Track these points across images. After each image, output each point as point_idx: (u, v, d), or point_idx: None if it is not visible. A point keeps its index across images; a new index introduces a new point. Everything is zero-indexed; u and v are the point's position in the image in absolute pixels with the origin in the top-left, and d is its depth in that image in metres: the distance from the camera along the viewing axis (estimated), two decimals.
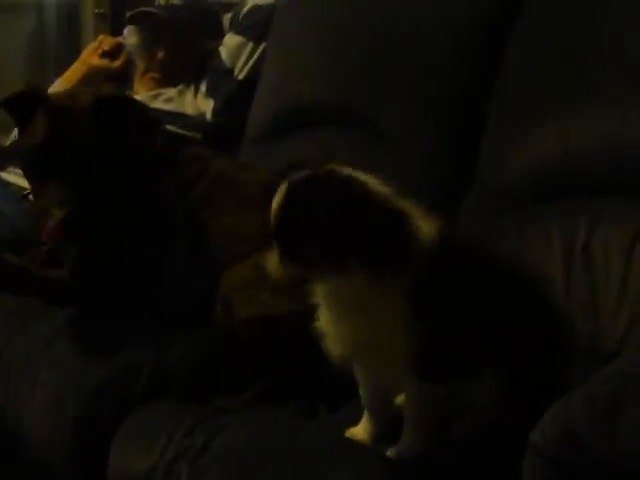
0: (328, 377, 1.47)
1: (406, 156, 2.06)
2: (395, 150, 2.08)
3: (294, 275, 1.29)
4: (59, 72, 2.76)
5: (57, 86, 2.64)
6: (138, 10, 2.65)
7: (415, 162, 2.05)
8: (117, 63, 2.70)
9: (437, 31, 2.11)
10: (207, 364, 1.78)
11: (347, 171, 1.28)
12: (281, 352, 1.70)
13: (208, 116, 2.54)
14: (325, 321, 1.34)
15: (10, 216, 2.28)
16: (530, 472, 1.11)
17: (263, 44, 2.53)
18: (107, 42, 2.71)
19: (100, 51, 2.69)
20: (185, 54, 2.63)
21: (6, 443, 1.85)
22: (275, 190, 1.30)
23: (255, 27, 2.56)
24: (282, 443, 1.49)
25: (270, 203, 1.30)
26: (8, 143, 2.58)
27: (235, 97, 2.54)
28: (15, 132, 2.39)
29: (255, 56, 2.55)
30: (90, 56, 2.70)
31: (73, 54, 2.86)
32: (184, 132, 2.47)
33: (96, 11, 3.68)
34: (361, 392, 1.43)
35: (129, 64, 2.70)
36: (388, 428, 1.42)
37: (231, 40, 2.59)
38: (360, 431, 1.44)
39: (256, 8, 2.59)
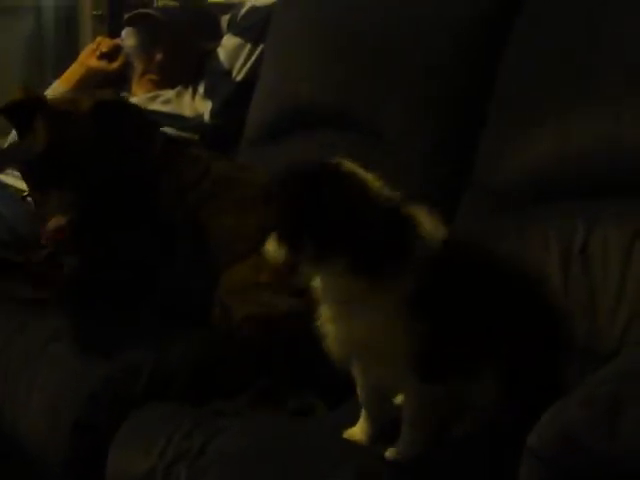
0: (327, 375, 1.47)
1: (406, 156, 2.06)
2: (395, 150, 2.08)
3: (291, 263, 1.29)
4: (57, 74, 2.76)
5: (55, 88, 2.65)
6: (136, 12, 2.65)
7: (415, 162, 2.05)
8: (115, 65, 2.70)
9: (437, 31, 2.10)
10: (205, 366, 1.78)
11: (353, 168, 1.28)
12: (280, 351, 1.70)
13: (206, 117, 2.54)
14: (325, 319, 1.34)
15: (8, 218, 2.27)
16: (527, 475, 1.10)
17: (261, 45, 2.53)
18: (105, 44, 2.71)
19: (98, 53, 2.69)
20: (183, 56, 2.63)
21: (3, 446, 1.85)
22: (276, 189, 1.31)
23: (253, 28, 2.56)
24: (281, 444, 1.48)
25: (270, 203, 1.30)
26: (6, 145, 2.57)
27: (233, 98, 2.54)
28: (13, 134, 2.39)
29: (253, 57, 2.55)
30: (88, 58, 2.70)
31: (71, 56, 2.86)
32: (182, 134, 2.47)
33: (94, 13, 3.68)
34: (359, 392, 1.42)
35: (127, 66, 2.70)
36: (386, 428, 1.41)
37: (229, 41, 2.59)
38: (358, 431, 1.44)
39: (254, 9, 2.59)
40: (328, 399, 1.65)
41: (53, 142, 1.77)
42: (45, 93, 2.61)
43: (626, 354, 1.40)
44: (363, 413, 1.44)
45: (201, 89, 2.58)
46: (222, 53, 2.58)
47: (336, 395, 1.60)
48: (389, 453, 1.37)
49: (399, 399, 1.42)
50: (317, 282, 1.33)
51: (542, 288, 1.40)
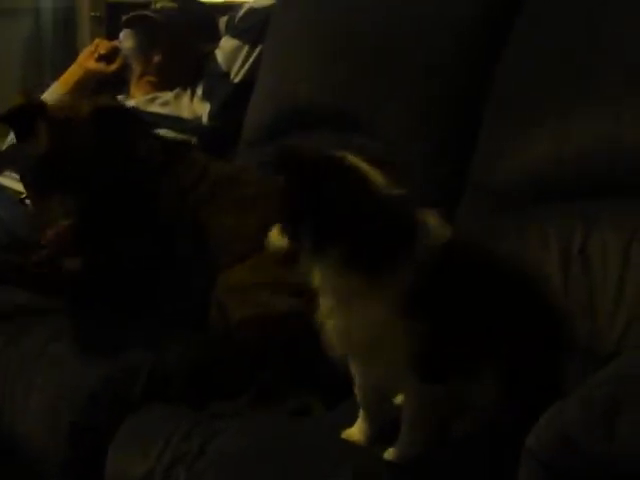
0: (325, 375, 1.47)
1: (406, 156, 2.06)
2: (395, 150, 2.08)
3: (292, 253, 1.29)
4: (55, 76, 2.76)
5: (53, 90, 2.64)
6: (134, 13, 2.65)
7: (415, 162, 2.05)
8: (113, 67, 2.70)
9: (438, 30, 2.11)
10: (204, 367, 1.78)
11: (356, 162, 1.28)
12: (278, 351, 1.70)
13: (204, 119, 2.54)
14: (324, 314, 1.34)
15: (6, 220, 2.27)
16: (526, 476, 1.10)
17: (259, 47, 2.53)
18: (103, 46, 2.71)
19: (96, 55, 2.69)
20: (181, 57, 2.63)
21: (2, 447, 1.84)
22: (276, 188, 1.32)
23: (251, 30, 2.56)
24: (279, 445, 1.48)
25: (269, 203, 1.32)
26: (4, 147, 2.57)
27: (231, 100, 2.54)
28: (11, 136, 2.39)
29: (251, 59, 2.54)
30: (86, 60, 2.69)
31: (69, 58, 2.86)
32: (180, 136, 2.47)
33: (92, 14, 3.68)
34: (357, 392, 1.42)
35: (125, 68, 2.70)
36: (385, 428, 1.41)
37: (227, 43, 2.59)
38: (356, 432, 1.43)
39: (252, 11, 2.59)
40: (326, 398, 1.65)
41: (54, 147, 1.77)
42: (43, 95, 2.61)
43: (625, 357, 1.39)
44: (361, 413, 1.43)
45: (199, 91, 2.58)
46: (220, 55, 2.58)
47: (334, 394, 1.59)
48: (388, 454, 1.37)
49: (399, 399, 1.42)
50: (317, 276, 1.33)
51: (542, 288, 1.40)
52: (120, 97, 2.66)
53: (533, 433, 1.10)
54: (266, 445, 1.49)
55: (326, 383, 1.60)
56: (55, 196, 1.75)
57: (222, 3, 3.24)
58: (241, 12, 2.62)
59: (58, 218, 1.74)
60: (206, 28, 2.68)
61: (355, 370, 1.40)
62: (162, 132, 2.44)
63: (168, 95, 2.60)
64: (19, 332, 1.93)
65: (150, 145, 1.99)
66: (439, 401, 1.34)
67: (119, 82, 2.71)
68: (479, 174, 1.97)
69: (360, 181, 1.26)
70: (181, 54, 2.63)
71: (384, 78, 2.16)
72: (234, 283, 1.79)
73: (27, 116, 1.82)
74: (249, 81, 2.52)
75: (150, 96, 2.61)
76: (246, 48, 2.55)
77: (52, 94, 2.62)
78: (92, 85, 2.66)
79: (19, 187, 2.24)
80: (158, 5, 2.68)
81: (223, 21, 2.70)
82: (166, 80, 2.63)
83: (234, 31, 2.60)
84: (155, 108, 2.56)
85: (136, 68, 2.67)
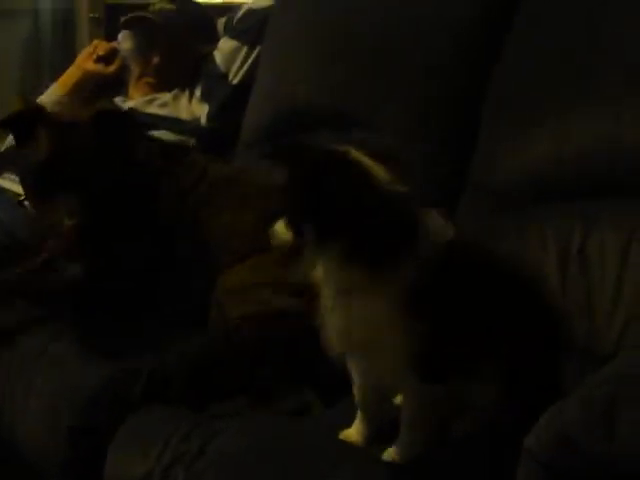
0: (324, 373, 1.47)
1: (405, 156, 2.06)
2: (398, 145, 2.08)
3: (296, 247, 1.30)
4: (54, 77, 2.75)
5: (52, 91, 2.64)
6: (132, 15, 2.65)
7: (415, 162, 2.05)
8: (112, 68, 2.70)
9: (437, 31, 2.11)
10: (203, 368, 1.78)
11: (359, 157, 1.28)
12: (276, 349, 1.70)
13: (203, 121, 2.54)
14: (325, 310, 1.34)
15: (6, 222, 2.28)
16: (525, 476, 1.10)
17: (257, 48, 2.53)
18: (102, 47, 2.71)
19: (95, 56, 2.69)
20: (180, 59, 2.63)
21: (1, 448, 1.84)
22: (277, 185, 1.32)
23: (249, 31, 2.56)
24: (279, 445, 1.48)
25: (267, 200, 1.33)
26: (3, 149, 2.57)
27: (230, 102, 2.54)
28: (10, 138, 2.39)
29: (250, 60, 2.54)
30: (85, 61, 2.69)
31: (68, 59, 2.85)
32: (179, 137, 2.48)
33: (91, 16, 3.67)
34: (356, 392, 1.42)
35: (124, 69, 2.70)
36: (384, 428, 1.41)
37: (225, 44, 2.59)
38: (354, 433, 1.43)
39: (250, 12, 2.59)
40: (325, 397, 1.65)
41: (55, 151, 1.78)
42: (42, 96, 2.62)
43: (623, 357, 1.40)
44: (358, 414, 1.43)
45: (198, 92, 2.58)
46: (218, 56, 2.58)
47: (333, 393, 1.59)
48: (387, 454, 1.36)
49: (399, 399, 1.41)
50: (320, 271, 1.33)
51: (541, 288, 1.40)
52: (118, 98, 2.66)
53: (532, 433, 1.10)
54: (265, 445, 1.49)
55: (325, 382, 1.60)
56: (59, 197, 1.76)
57: (220, 4, 3.25)
58: (239, 13, 2.62)
59: (63, 219, 1.75)
60: (204, 29, 2.68)
61: (354, 370, 1.40)
62: (160, 133, 2.44)
63: (166, 96, 2.60)
64: (19, 332, 1.93)
65: (149, 148, 2.00)
66: (439, 401, 1.34)
67: (118, 83, 2.71)
68: (479, 174, 1.97)
69: (362, 176, 1.26)
70: (179, 55, 2.63)
71: (383, 79, 2.16)
72: (234, 284, 1.79)
73: (26, 121, 1.83)
74: (247, 82, 2.52)
75: (148, 97, 2.61)
76: (245, 49, 2.55)
77: (51, 95, 2.62)
78: (91, 86, 2.66)
79: (18, 189, 2.24)
80: (157, 7, 2.68)
81: (221, 22, 2.70)
82: (164, 81, 2.63)
83: (232, 32, 2.60)
84: (153, 109, 2.56)
85: (135, 69, 2.67)
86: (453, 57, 2.08)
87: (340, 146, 1.29)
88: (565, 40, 1.90)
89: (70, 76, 2.68)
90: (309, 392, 1.66)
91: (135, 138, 1.95)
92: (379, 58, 2.17)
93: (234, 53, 2.56)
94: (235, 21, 2.62)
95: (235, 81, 2.55)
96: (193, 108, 2.57)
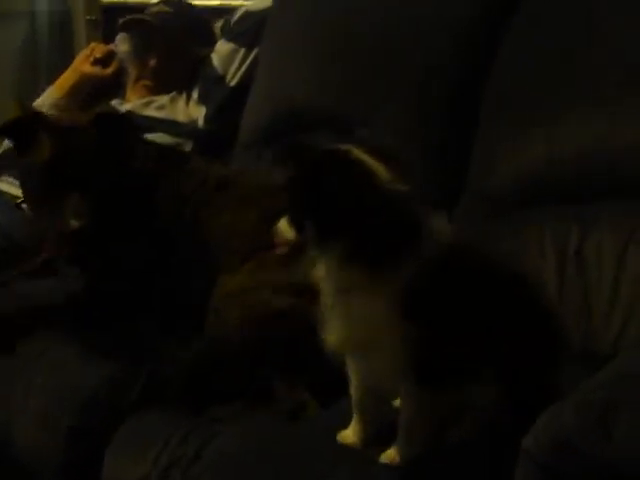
0: (322, 373, 1.47)
1: (405, 157, 2.06)
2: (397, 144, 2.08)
3: (299, 244, 1.30)
4: (51, 79, 2.75)
5: (49, 94, 2.65)
6: (130, 17, 2.65)
7: (414, 163, 2.04)
8: (109, 70, 2.70)
9: (437, 31, 2.11)
10: (201, 371, 1.78)
11: (361, 156, 1.28)
12: (275, 349, 1.70)
13: (200, 123, 2.54)
14: (325, 308, 1.34)
15: (4, 224, 2.28)
16: (523, 478, 1.10)
17: (255, 50, 2.53)
18: (99, 49, 2.71)
19: (92, 58, 2.69)
20: (177, 61, 2.63)
21: None
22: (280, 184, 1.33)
23: (246, 33, 2.56)
24: (276, 447, 1.48)
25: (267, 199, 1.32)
26: (0, 152, 2.57)
27: (227, 104, 2.53)
28: (7, 142, 2.39)
29: (247, 62, 2.54)
30: (82, 63, 2.69)
31: (65, 61, 2.85)
32: (176, 140, 2.48)
33: (88, 18, 3.67)
34: (353, 394, 1.41)
35: (121, 71, 2.70)
36: (382, 430, 1.41)
37: (223, 47, 2.59)
38: (350, 434, 1.43)
39: (247, 14, 2.59)
40: (321, 397, 1.65)
41: (58, 153, 1.78)
42: (39, 99, 2.62)
43: (621, 358, 1.39)
44: (355, 416, 1.43)
45: (195, 94, 2.58)
46: (216, 58, 2.58)
47: (329, 393, 1.59)
48: (385, 457, 1.36)
49: (397, 402, 1.41)
50: (321, 269, 1.33)
51: (539, 289, 1.40)
52: (116, 101, 2.66)
53: (530, 434, 1.10)
54: (262, 448, 1.49)
55: (321, 382, 1.60)
56: (65, 199, 1.77)
57: (218, 6, 3.24)
58: (236, 15, 2.62)
59: (69, 220, 1.75)
60: (201, 32, 2.68)
61: (352, 370, 1.40)
62: (156, 136, 2.44)
63: (164, 99, 2.60)
64: (19, 333, 1.93)
65: (146, 151, 2.00)
66: (437, 403, 1.33)
67: (115, 86, 2.71)
68: (475, 176, 1.97)
69: (364, 175, 1.26)
70: (177, 58, 2.63)
71: (382, 79, 2.16)
72: (233, 289, 1.79)
73: (25, 127, 1.83)
74: (245, 84, 2.51)
75: (146, 100, 2.61)
76: (242, 51, 2.55)
77: (48, 98, 2.62)
78: (88, 89, 2.66)
79: (16, 191, 2.24)
80: (154, 9, 2.68)
81: (218, 25, 2.70)
82: (162, 84, 2.63)
83: (230, 34, 2.60)
84: (151, 112, 2.57)
85: (132, 72, 2.67)
86: (453, 57, 2.08)
87: (341, 145, 1.29)
88: (565, 40, 1.90)
89: (67, 79, 2.68)
90: (304, 392, 1.66)
91: (133, 141, 1.95)
92: (379, 58, 2.17)
93: (231, 55, 2.56)
94: (232, 23, 2.62)
95: (232, 83, 2.55)
96: (190, 110, 2.57)
